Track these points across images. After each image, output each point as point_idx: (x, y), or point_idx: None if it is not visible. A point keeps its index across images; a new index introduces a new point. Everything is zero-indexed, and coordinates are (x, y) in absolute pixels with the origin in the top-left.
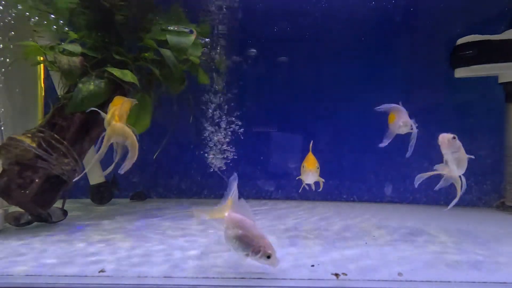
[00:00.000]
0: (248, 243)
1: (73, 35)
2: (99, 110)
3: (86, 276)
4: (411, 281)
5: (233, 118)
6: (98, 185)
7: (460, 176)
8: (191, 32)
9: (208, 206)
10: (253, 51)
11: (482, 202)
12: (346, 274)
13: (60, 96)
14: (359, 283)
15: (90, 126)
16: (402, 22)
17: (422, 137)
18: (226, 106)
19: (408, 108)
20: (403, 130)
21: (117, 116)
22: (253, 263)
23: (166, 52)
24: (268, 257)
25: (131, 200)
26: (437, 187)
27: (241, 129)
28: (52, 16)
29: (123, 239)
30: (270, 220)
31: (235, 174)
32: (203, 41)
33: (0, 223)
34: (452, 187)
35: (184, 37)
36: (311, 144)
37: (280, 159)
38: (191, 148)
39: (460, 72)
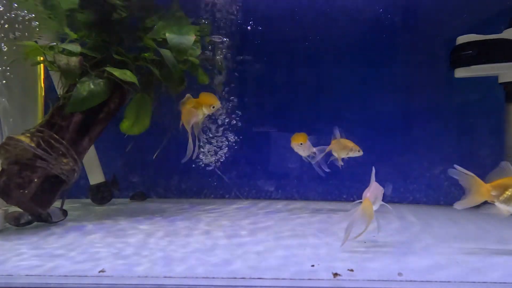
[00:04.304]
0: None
1: (72, 35)
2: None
3: (86, 276)
4: (411, 281)
5: (233, 118)
6: (98, 185)
7: None
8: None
9: (208, 206)
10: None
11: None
12: (352, 270)
13: (59, 96)
14: (359, 283)
15: (89, 126)
16: (402, 22)
17: (422, 138)
18: (225, 105)
19: (408, 108)
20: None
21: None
22: None
23: (166, 52)
24: None
25: (131, 200)
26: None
27: (241, 129)
28: (52, 16)
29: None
30: None
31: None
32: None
33: (0, 223)
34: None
35: (184, 37)
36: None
37: (280, 159)
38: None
39: (460, 72)
